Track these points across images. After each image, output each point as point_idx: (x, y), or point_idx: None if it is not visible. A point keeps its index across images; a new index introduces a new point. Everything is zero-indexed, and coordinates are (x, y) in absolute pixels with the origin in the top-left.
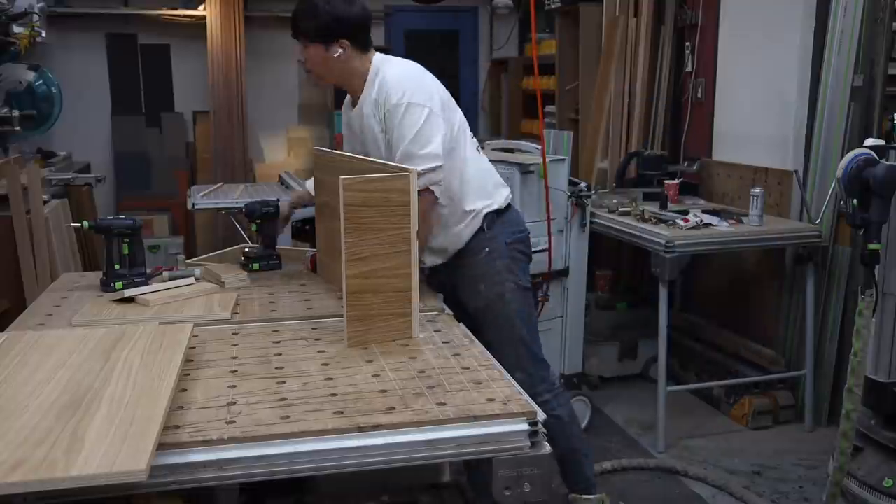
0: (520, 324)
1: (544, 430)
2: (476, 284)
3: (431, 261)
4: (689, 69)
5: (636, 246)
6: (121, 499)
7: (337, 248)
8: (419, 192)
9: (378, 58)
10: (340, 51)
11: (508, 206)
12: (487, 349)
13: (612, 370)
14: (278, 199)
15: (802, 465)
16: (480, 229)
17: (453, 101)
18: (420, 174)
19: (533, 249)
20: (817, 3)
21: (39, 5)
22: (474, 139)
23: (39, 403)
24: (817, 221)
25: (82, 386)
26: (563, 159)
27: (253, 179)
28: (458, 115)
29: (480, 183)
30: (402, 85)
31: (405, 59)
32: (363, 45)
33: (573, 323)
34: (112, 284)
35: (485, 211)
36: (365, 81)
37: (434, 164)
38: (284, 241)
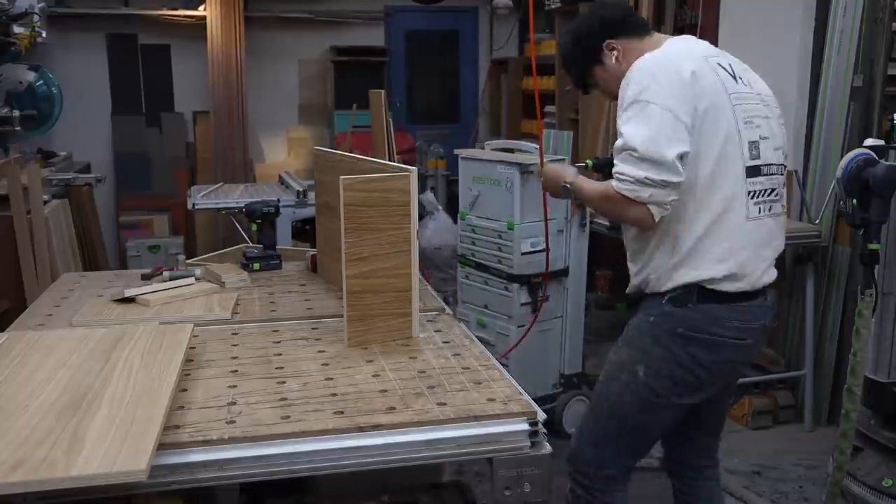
0: (611, 408)
1: (544, 430)
2: (623, 338)
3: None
4: None
5: None
6: (121, 499)
7: (337, 248)
8: (629, 200)
9: (661, 40)
10: (614, 53)
11: (727, 296)
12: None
13: None
14: (278, 199)
15: (802, 465)
16: (665, 297)
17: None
18: (624, 178)
19: (532, 249)
20: (817, 4)
21: (40, 6)
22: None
23: (40, 403)
24: (817, 221)
25: (82, 386)
26: (563, 159)
27: (253, 179)
28: (718, 139)
29: (714, 240)
30: (641, 79)
31: (683, 39)
32: (630, 32)
33: (573, 323)
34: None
35: (691, 280)
36: None
37: (657, 178)
38: (284, 241)
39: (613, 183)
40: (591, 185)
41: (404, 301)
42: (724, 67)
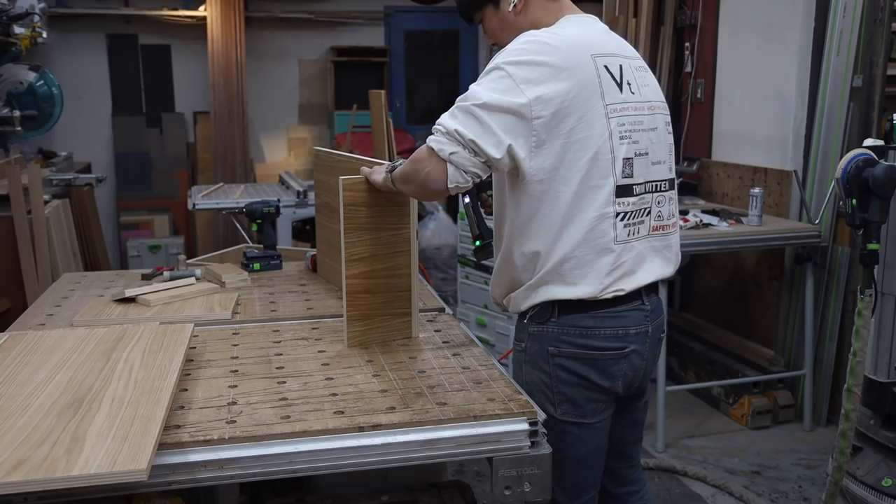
0: None
1: (544, 430)
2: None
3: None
4: (688, 70)
5: None
6: (121, 499)
7: (337, 248)
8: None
9: (572, 15)
10: (513, 1)
11: (609, 301)
12: None
13: None
14: (278, 200)
15: (801, 465)
16: (523, 316)
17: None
18: (437, 128)
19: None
20: (817, 4)
21: (40, 6)
22: (602, 187)
23: (40, 403)
24: (816, 221)
25: (83, 386)
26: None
27: (253, 179)
28: (593, 136)
29: (564, 249)
30: (514, 47)
31: (585, 23)
32: None
33: None
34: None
35: (545, 297)
36: None
37: (469, 136)
38: (284, 241)
39: (431, 139)
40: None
41: (404, 301)
42: (609, 72)
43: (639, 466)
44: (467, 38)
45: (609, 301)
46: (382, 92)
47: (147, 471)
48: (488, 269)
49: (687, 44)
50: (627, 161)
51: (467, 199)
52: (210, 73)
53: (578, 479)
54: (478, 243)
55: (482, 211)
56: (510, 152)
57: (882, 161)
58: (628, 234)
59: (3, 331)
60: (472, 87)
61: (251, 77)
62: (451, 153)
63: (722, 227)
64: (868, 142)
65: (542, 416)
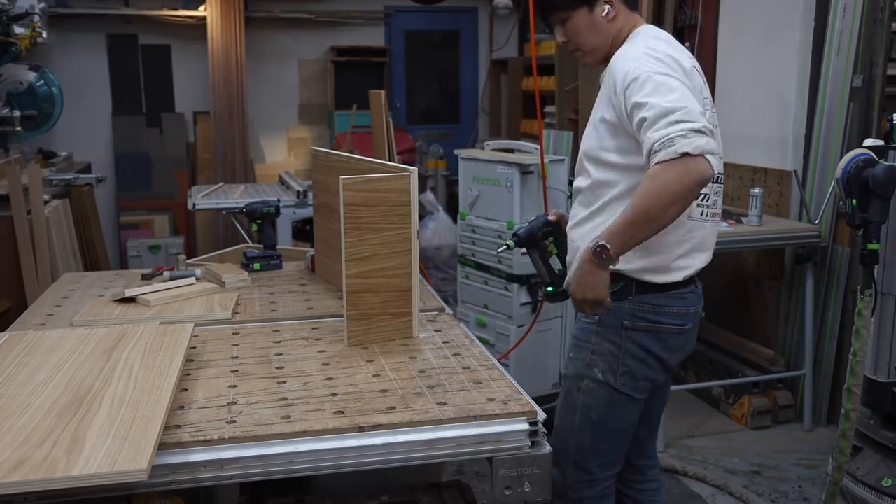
0: (582, 421)
1: (544, 430)
2: (571, 347)
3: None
4: None
5: None
6: (121, 499)
7: (336, 248)
8: (670, 161)
9: (636, 31)
10: (608, 7)
11: (677, 284)
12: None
13: None
14: (278, 200)
15: (801, 465)
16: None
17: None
18: (674, 135)
19: None
20: (817, 4)
21: (40, 6)
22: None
23: (41, 403)
24: (816, 221)
25: (83, 386)
26: (563, 160)
27: (253, 179)
28: None
29: (666, 236)
30: (635, 59)
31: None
32: (629, 1)
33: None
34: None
35: (635, 275)
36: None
37: (698, 125)
38: (284, 241)
39: (658, 156)
40: (631, 203)
41: (404, 301)
42: (697, 70)
43: (657, 440)
44: (467, 38)
45: (679, 283)
46: (382, 92)
47: (147, 471)
48: (489, 270)
49: (687, 44)
50: None
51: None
52: (210, 73)
53: (615, 450)
54: (550, 290)
55: (547, 258)
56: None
57: (882, 161)
58: (701, 214)
59: (3, 331)
60: (652, 100)
61: (251, 77)
62: (705, 143)
63: (722, 227)
64: (868, 142)
65: (542, 415)
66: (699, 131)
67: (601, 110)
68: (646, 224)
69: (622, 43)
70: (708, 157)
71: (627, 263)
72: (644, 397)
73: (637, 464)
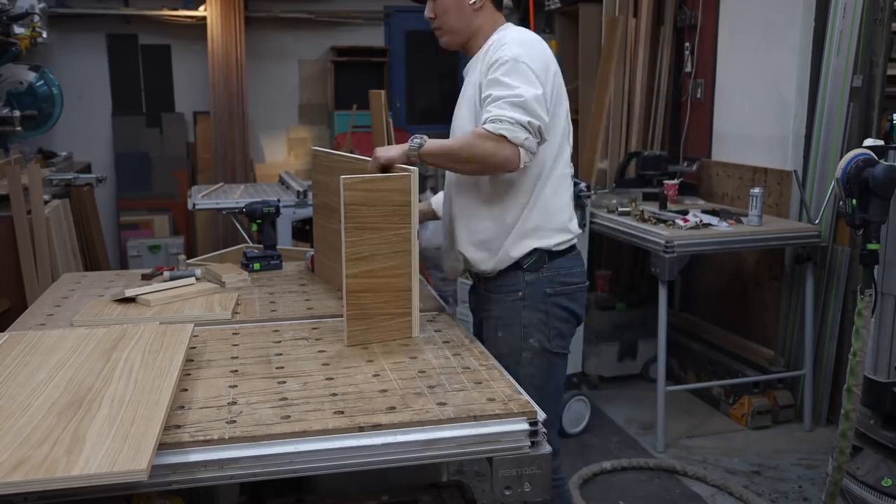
0: (528, 391)
1: (544, 430)
2: (496, 328)
3: (450, 266)
4: (688, 69)
5: (636, 246)
6: (121, 498)
7: (336, 248)
8: (496, 138)
9: (506, 25)
10: None
11: (569, 249)
12: None
13: (611, 370)
14: (278, 200)
15: (801, 465)
16: (519, 266)
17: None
18: (505, 119)
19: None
20: (817, 4)
21: (40, 6)
22: (570, 162)
23: (41, 403)
24: (816, 221)
25: (83, 386)
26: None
27: (253, 179)
28: (563, 117)
29: (547, 210)
30: (520, 45)
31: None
32: (496, 1)
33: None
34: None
35: (534, 246)
36: (484, 44)
37: (532, 122)
38: (284, 241)
39: (488, 126)
40: (448, 140)
41: (404, 301)
42: (558, 74)
43: None
44: None
45: (573, 246)
46: (382, 92)
47: (147, 471)
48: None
49: (687, 44)
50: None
51: None
52: (210, 73)
53: (556, 409)
54: None
55: None
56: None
57: (882, 161)
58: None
59: (3, 331)
60: (509, 81)
61: (251, 77)
62: (524, 139)
63: (722, 227)
64: (868, 142)
65: (542, 415)
66: (525, 127)
67: (480, 89)
68: (449, 160)
69: (485, 38)
70: (521, 150)
71: (541, 239)
72: (567, 353)
73: None
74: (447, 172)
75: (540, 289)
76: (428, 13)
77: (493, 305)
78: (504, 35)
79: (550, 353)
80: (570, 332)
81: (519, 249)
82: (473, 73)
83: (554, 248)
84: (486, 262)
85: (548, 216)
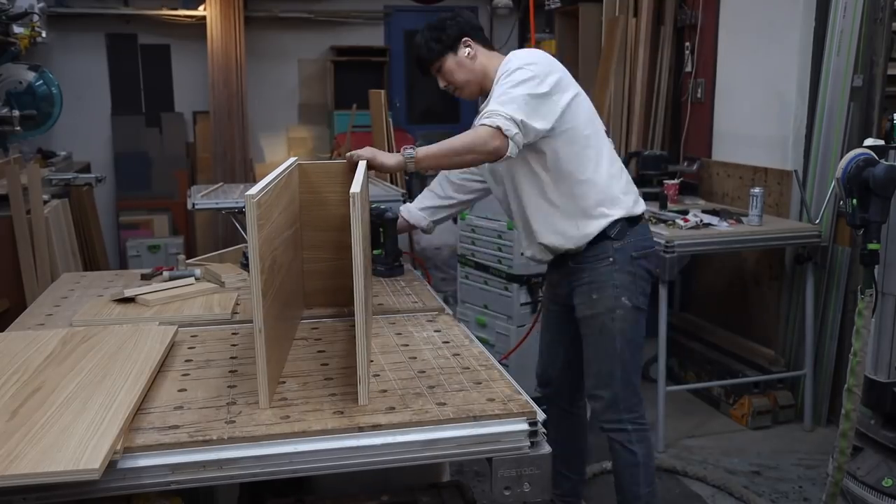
0: (622, 343)
1: (544, 430)
2: (590, 292)
3: (533, 254)
4: (688, 69)
5: None
6: (121, 498)
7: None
8: (487, 127)
9: (511, 53)
10: (468, 49)
11: (641, 216)
12: (586, 361)
13: None
14: None
15: (802, 465)
16: (606, 236)
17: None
18: (500, 114)
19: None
20: (817, 4)
21: (40, 5)
22: (609, 139)
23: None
24: (817, 221)
25: (45, 386)
26: None
27: (253, 179)
28: (583, 100)
29: (608, 183)
30: (518, 58)
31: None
32: (485, 41)
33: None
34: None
35: (614, 216)
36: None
37: (530, 124)
38: None
39: (483, 120)
40: (444, 140)
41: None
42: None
43: None
44: None
45: (642, 214)
46: (382, 91)
47: (100, 471)
48: (489, 270)
49: (687, 43)
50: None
51: None
52: (210, 72)
53: (642, 359)
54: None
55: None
56: None
57: (882, 161)
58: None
59: (2, 331)
60: (510, 89)
61: (251, 77)
62: (514, 134)
63: (722, 227)
64: (868, 141)
65: (541, 416)
66: (517, 124)
67: None
68: (446, 157)
69: (494, 72)
70: (510, 142)
71: (619, 209)
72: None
73: (569, 394)
74: (506, 180)
75: (626, 253)
76: (441, 85)
77: (585, 273)
78: (506, 59)
79: (638, 309)
80: (649, 291)
81: (595, 225)
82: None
83: (632, 215)
84: (568, 243)
85: (610, 188)
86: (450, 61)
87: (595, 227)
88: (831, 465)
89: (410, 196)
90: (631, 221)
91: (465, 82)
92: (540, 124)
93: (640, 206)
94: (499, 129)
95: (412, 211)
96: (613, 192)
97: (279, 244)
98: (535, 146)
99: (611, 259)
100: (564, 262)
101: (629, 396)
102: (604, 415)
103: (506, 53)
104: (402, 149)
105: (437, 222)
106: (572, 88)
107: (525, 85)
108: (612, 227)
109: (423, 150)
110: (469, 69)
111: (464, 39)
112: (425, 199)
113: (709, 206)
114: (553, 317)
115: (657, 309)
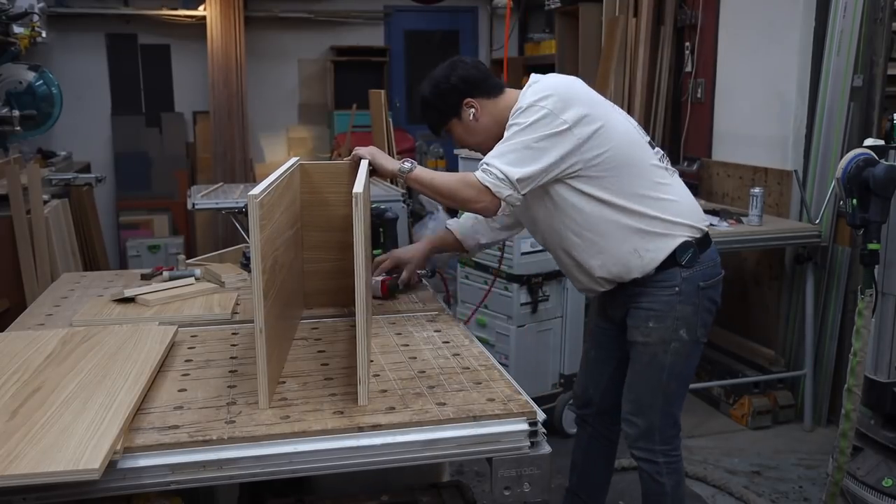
0: (668, 377)
1: (544, 430)
2: (647, 319)
3: (591, 287)
4: (688, 69)
5: None
6: (121, 498)
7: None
8: (477, 183)
9: (518, 92)
10: (472, 110)
11: (708, 238)
12: (628, 384)
13: None
14: None
15: (802, 465)
16: (676, 262)
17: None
18: (491, 172)
19: (532, 249)
20: (817, 4)
21: (40, 5)
22: (656, 150)
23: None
24: (817, 221)
25: (45, 386)
26: None
27: (253, 179)
28: (616, 123)
29: (660, 204)
30: (534, 93)
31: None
32: (487, 93)
33: (573, 323)
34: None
35: (682, 239)
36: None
37: (517, 177)
38: None
39: (477, 174)
40: (439, 173)
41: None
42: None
43: None
44: (467, 38)
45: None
46: (382, 91)
47: (100, 471)
48: (489, 270)
49: (687, 43)
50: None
51: None
52: (210, 72)
53: (686, 392)
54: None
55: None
56: None
57: (882, 161)
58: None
59: (2, 331)
60: (512, 140)
61: (251, 77)
62: (507, 195)
63: (722, 227)
64: (868, 141)
65: (541, 416)
66: (512, 184)
67: None
68: (430, 192)
69: (509, 113)
70: (503, 202)
71: (681, 228)
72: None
73: (611, 414)
74: (536, 213)
75: (694, 283)
76: (457, 149)
77: (645, 298)
78: (521, 93)
79: (694, 343)
80: (712, 322)
81: (658, 249)
82: None
83: (698, 233)
84: (632, 272)
85: (664, 207)
86: (457, 127)
87: (659, 250)
88: (831, 465)
89: (410, 196)
90: (702, 245)
91: (478, 144)
92: (544, 164)
93: (703, 220)
94: (488, 189)
95: (465, 227)
96: (671, 211)
97: (280, 244)
98: (568, 184)
99: (677, 289)
100: (623, 283)
101: (666, 427)
102: (636, 442)
103: (506, 52)
104: (402, 160)
105: (484, 246)
106: (598, 116)
107: (530, 129)
108: (682, 253)
109: (417, 173)
110: (476, 131)
111: (465, 101)
112: (480, 220)
113: (709, 206)
114: (602, 335)
115: None
